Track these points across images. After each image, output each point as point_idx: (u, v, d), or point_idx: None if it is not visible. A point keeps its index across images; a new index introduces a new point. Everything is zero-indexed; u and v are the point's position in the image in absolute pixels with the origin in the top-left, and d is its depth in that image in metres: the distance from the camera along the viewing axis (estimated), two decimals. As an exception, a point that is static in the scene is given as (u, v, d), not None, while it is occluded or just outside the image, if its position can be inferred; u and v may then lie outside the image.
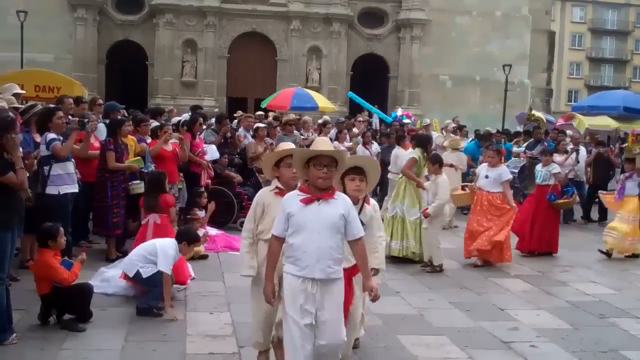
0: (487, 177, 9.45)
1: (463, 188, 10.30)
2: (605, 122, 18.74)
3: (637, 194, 10.39)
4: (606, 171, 14.13)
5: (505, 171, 9.49)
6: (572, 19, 61.93)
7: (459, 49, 31.95)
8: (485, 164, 9.74)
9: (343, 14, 31.09)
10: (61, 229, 6.22)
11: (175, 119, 12.71)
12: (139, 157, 9.09)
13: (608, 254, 10.40)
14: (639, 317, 7.23)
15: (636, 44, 63.17)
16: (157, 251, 6.59)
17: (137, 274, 6.65)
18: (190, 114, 13.39)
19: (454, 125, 16.21)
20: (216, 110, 22.51)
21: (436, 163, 9.05)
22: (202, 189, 10.33)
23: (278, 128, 13.71)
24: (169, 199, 8.17)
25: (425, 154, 9.45)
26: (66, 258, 6.20)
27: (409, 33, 31.95)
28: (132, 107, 14.00)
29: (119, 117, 9.55)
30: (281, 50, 31.21)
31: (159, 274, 6.52)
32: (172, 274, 6.59)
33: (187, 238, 6.82)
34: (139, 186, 8.68)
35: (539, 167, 10.58)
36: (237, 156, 12.33)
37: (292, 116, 15.29)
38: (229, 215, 11.28)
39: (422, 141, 9.84)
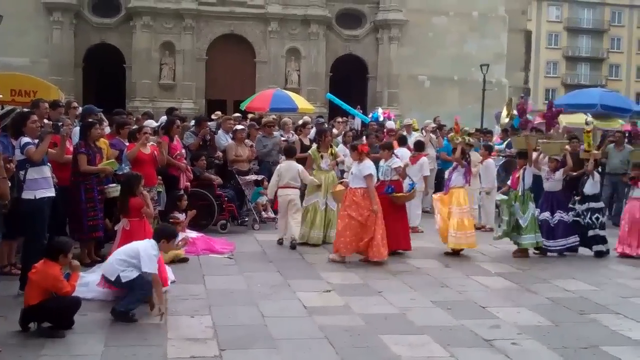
0: (352, 173, 9.58)
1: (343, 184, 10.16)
2: (582, 120, 18.81)
3: (462, 185, 10.29)
4: (580, 168, 14.01)
5: (366, 166, 9.32)
6: (548, 18, 62.54)
7: (436, 49, 32.10)
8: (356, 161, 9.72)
9: (321, 15, 31.09)
10: (73, 246, 6.20)
11: (147, 123, 12.60)
12: (113, 160, 9.00)
13: (455, 252, 10.19)
14: (619, 312, 7.29)
15: (612, 42, 63.93)
16: (139, 253, 6.50)
17: (117, 278, 6.57)
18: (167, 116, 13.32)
19: (434, 125, 16.24)
20: (178, 111, 22.28)
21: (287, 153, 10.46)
22: (182, 192, 10.29)
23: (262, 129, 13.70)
24: (137, 202, 8.02)
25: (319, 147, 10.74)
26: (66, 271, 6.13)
27: (387, 34, 32.03)
28: (110, 111, 13.87)
29: (90, 120, 9.42)
30: (260, 52, 31.14)
31: (139, 278, 6.43)
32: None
33: (165, 235, 6.77)
34: (115, 189, 8.60)
35: (381, 162, 10.22)
36: (216, 159, 12.28)
37: (271, 117, 15.26)
38: (209, 217, 11.26)
39: (318, 134, 11.63)
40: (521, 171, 10.18)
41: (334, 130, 15.14)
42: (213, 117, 16.32)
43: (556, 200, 10.49)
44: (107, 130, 10.46)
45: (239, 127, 12.86)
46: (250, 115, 17.68)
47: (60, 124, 8.03)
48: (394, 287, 8.10)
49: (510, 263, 9.75)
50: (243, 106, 19.33)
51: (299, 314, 6.86)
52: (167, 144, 10.33)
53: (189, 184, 10.87)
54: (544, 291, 8.13)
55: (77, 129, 9.57)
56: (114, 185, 8.74)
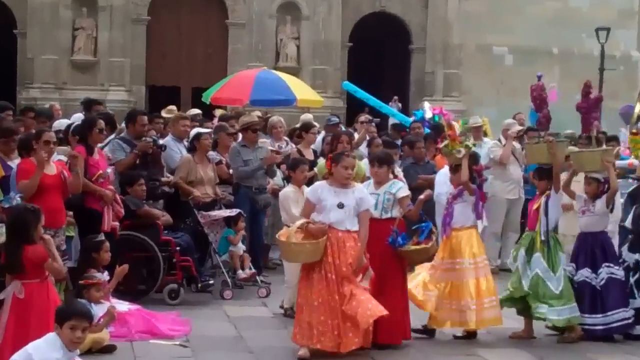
0: (341, 205, 9.12)
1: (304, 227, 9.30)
2: None
3: (473, 224, 10.13)
4: None
5: (366, 195, 9.21)
6: None
7: (523, 5, 32.25)
8: (323, 182, 9.36)
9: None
10: None
11: (58, 123, 12.65)
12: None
13: (470, 335, 10.01)
14: None
15: None
16: None
17: None
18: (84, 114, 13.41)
19: (519, 127, 16.26)
20: (102, 105, 22.33)
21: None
22: (102, 238, 10.24)
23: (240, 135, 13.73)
24: (37, 253, 7.97)
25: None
26: None
27: (442, -20, 32.30)
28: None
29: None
30: (235, 10, 31.32)
31: None
32: None
33: (70, 316, 6.74)
34: (-2, 233, 8.63)
35: (369, 185, 9.89)
36: (164, 184, 12.29)
37: (255, 116, 15.13)
38: (150, 279, 11.25)
39: (330, 141, 12.16)
40: (542, 200, 10.01)
41: (355, 135, 15.18)
42: (164, 114, 16.44)
43: (600, 247, 10.20)
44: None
45: (201, 131, 12.88)
46: (218, 112, 17.74)
47: None
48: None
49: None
50: (207, 97, 19.42)
51: None
52: (84, 158, 10.35)
53: (117, 223, 10.86)
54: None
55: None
56: (-3, 225, 8.76)
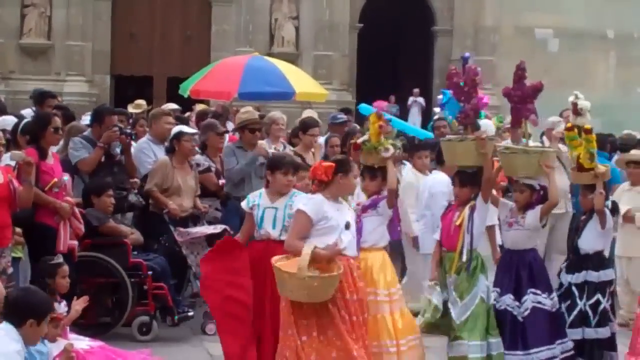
0: (348, 225, 8.94)
1: None
2: None
3: (387, 244, 10.08)
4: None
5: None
6: None
7: (572, -21, 32.36)
8: (319, 196, 8.93)
9: None
10: None
11: (3, 120, 12.66)
12: None
13: None
14: None
15: None
16: None
17: None
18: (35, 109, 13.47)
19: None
20: (57, 99, 22.41)
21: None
22: (61, 260, 10.25)
23: (228, 135, 13.73)
24: None
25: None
26: None
27: (472, -52, 32.42)
28: None
29: None
30: (220, -17, 31.47)
31: None
32: None
33: (33, 311, 6.89)
34: None
35: (261, 197, 9.66)
36: (132, 192, 12.30)
37: (254, 112, 15.00)
38: (116, 310, 11.31)
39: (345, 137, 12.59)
40: (465, 212, 9.91)
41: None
42: (131, 109, 16.47)
43: (528, 269, 10.17)
44: None
45: (185, 130, 12.89)
46: (198, 108, 17.77)
47: None
48: None
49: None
50: (186, 90, 19.46)
51: None
52: (36, 163, 10.37)
53: (76, 243, 10.88)
54: None
55: None
56: None
